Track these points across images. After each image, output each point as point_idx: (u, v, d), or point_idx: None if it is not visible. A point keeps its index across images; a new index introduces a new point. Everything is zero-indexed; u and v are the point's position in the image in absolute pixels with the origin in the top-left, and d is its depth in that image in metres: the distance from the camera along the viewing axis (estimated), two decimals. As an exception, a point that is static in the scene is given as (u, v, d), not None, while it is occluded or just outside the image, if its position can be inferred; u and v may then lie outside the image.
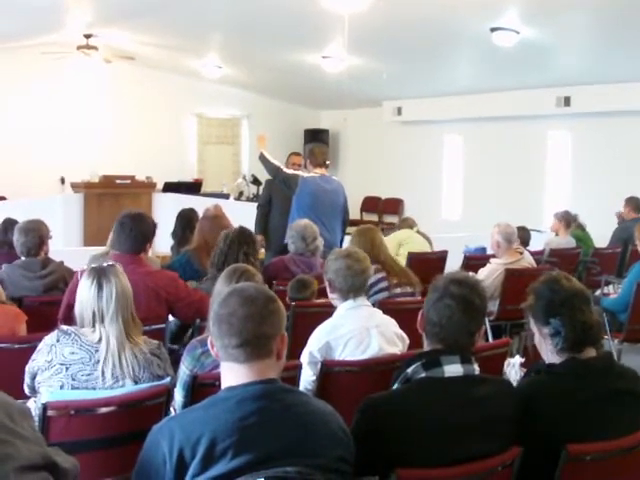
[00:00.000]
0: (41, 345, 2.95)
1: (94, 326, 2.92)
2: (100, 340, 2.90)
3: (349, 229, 6.73)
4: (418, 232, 7.59)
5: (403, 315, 3.81)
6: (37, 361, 2.92)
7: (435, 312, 2.37)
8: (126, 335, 2.93)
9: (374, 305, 3.95)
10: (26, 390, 3.04)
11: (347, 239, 7.26)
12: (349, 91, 13.38)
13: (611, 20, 8.40)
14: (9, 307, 3.91)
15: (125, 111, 14.05)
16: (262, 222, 7.30)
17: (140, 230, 4.16)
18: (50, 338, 2.94)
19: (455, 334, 2.35)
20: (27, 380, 3.02)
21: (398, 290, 4.88)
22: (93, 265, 3.14)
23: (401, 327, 3.58)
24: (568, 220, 8.06)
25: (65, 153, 13.21)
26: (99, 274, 2.99)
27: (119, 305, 2.95)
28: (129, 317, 2.98)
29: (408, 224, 7.76)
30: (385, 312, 3.68)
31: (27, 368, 2.98)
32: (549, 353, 2.50)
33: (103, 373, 2.86)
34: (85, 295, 2.97)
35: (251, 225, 6.48)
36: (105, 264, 3.10)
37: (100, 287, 2.95)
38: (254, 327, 2.04)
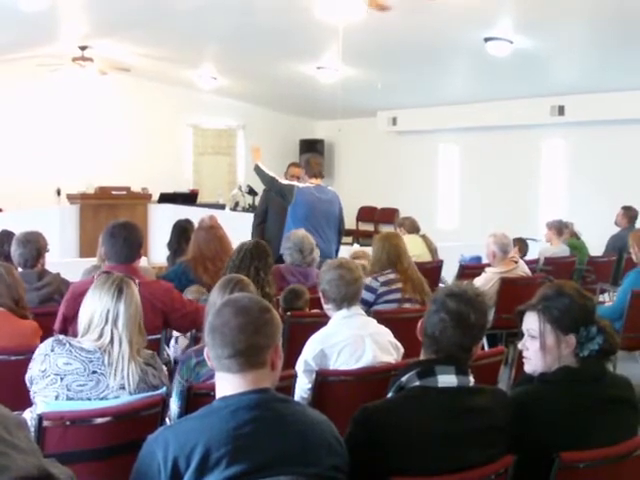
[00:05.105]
0: (36, 354, 2.94)
1: (104, 328, 2.90)
2: (112, 342, 2.88)
3: (347, 239, 6.72)
4: (424, 237, 7.51)
5: (397, 324, 3.82)
6: (32, 370, 2.91)
7: (430, 324, 2.37)
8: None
9: (369, 315, 3.96)
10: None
11: (342, 249, 7.26)
12: (344, 101, 13.41)
13: (605, 30, 8.45)
14: (28, 323, 3.84)
15: (121, 122, 14.06)
16: (257, 232, 7.32)
17: (133, 237, 4.18)
18: (45, 347, 2.93)
19: (447, 347, 2.34)
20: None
21: (408, 305, 4.86)
22: (114, 272, 3.18)
23: (395, 336, 3.59)
24: (560, 229, 8.09)
25: (61, 164, 13.22)
26: (120, 280, 3.01)
27: (134, 313, 2.96)
28: (137, 329, 2.99)
29: (411, 225, 7.64)
30: (379, 321, 3.70)
31: (26, 378, 2.97)
32: (559, 358, 2.48)
33: (109, 376, 2.84)
34: (103, 297, 2.94)
35: (247, 236, 6.49)
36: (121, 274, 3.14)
37: (120, 291, 2.96)
38: (247, 337, 2.03)
